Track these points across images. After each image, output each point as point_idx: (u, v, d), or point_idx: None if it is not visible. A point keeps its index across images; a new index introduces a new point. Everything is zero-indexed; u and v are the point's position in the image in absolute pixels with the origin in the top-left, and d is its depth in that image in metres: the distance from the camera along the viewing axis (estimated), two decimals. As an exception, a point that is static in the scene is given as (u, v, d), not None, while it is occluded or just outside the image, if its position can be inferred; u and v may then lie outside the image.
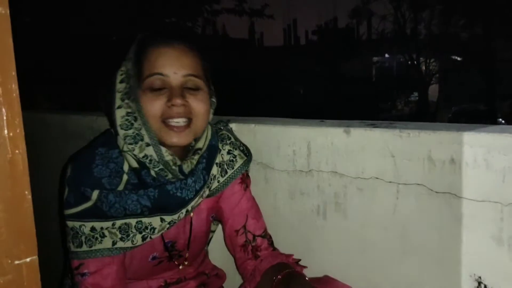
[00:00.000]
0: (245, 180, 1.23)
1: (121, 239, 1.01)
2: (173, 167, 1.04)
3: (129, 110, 1.01)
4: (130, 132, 1.00)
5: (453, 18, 19.40)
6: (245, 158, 1.21)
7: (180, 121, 1.02)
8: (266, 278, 1.11)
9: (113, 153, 1.04)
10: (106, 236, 1.00)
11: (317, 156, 1.31)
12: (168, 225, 1.06)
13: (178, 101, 1.01)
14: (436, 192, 1.12)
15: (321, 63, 17.97)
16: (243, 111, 1.57)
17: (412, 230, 1.17)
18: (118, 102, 1.02)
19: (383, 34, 21.67)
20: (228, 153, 1.19)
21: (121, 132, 1.01)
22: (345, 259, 1.28)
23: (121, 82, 1.03)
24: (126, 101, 1.02)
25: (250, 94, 13.10)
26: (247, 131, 1.39)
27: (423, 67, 21.56)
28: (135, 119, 1.01)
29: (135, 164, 1.03)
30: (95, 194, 1.00)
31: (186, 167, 1.07)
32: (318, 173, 1.31)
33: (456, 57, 21.53)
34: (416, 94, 22.64)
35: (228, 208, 1.20)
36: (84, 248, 0.99)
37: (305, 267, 1.20)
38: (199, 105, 1.04)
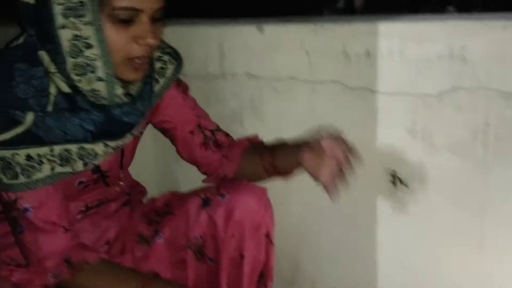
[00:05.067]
0: (181, 83, 1.11)
1: (60, 165, 0.88)
2: (122, 96, 0.90)
3: (78, 33, 0.81)
4: (78, 60, 0.83)
5: None
6: (176, 63, 1.08)
7: (144, 59, 0.89)
8: (252, 157, 1.07)
9: (36, 71, 0.86)
10: (44, 163, 0.87)
11: (230, 58, 1.22)
12: (112, 151, 0.94)
13: (152, 41, 0.86)
14: (352, 88, 1.08)
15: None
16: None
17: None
18: (60, 19, 0.80)
19: None
20: (158, 59, 1.05)
21: (69, 60, 0.83)
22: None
23: None
24: (73, 20, 0.81)
25: None
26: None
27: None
28: (88, 47, 0.82)
29: (66, 89, 0.87)
30: (29, 117, 0.84)
31: (134, 90, 0.93)
32: (232, 77, 1.23)
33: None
34: None
35: (174, 113, 1.08)
36: (22, 179, 0.85)
37: None
38: (159, 38, 0.90)
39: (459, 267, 1.04)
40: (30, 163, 0.86)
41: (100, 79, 0.85)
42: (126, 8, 0.82)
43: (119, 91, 0.89)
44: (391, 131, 1.08)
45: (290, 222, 1.23)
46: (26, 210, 0.87)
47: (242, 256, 0.98)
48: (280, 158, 1.03)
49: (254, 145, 1.11)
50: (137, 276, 0.95)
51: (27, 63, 0.86)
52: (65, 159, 0.89)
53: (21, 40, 0.89)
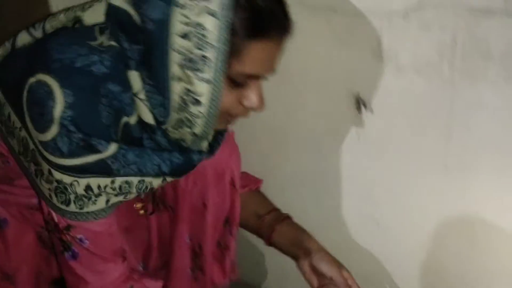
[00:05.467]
0: None
1: (116, 195, 0.78)
2: (205, 147, 0.83)
3: (190, 88, 0.68)
4: (181, 116, 0.71)
5: None
6: None
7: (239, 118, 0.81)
8: (249, 204, 1.03)
9: (126, 96, 0.71)
10: (101, 196, 0.76)
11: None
12: (167, 182, 0.86)
13: (260, 108, 0.77)
14: (314, 8, 1.01)
15: None
16: None
17: (291, 56, 1.08)
18: (174, 68, 0.67)
19: None
20: None
21: (173, 115, 0.72)
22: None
23: (184, 37, 0.65)
24: (188, 72, 0.67)
25: None
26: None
27: None
28: (196, 103, 0.70)
29: (150, 120, 0.74)
30: (112, 148, 0.72)
31: (211, 138, 0.86)
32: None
33: None
34: None
35: None
36: (72, 208, 0.75)
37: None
38: (264, 101, 0.82)
39: (423, 190, 1.05)
40: (87, 194, 0.74)
41: (194, 135, 0.74)
42: (249, 74, 0.72)
43: (205, 143, 0.81)
44: (356, 52, 1.02)
45: (255, 153, 1.19)
46: (81, 240, 0.77)
47: (205, 205, 0.94)
48: (280, 234, 0.99)
49: (257, 193, 1.06)
50: None
51: (118, 84, 0.71)
52: (123, 191, 0.78)
53: (98, 33, 0.72)
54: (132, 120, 0.74)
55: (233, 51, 0.67)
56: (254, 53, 0.69)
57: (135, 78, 0.72)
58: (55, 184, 0.73)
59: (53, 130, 0.68)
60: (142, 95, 0.72)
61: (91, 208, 0.76)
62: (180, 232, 0.95)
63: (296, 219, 1.21)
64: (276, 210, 1.04)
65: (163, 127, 0.74)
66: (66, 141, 0.69)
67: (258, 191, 1.08)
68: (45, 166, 0.72)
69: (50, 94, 0.67)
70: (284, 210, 1.24)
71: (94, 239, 0.78)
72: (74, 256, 0.78)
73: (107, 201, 0.77)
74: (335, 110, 1.09)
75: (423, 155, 1.02)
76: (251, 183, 1.06)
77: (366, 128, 1.08)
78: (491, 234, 1.00)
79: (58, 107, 0.67)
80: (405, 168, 1.06)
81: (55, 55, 0.69)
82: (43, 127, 0.69)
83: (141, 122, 0.75)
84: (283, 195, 1.23)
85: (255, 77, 0.74)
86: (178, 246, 0.96)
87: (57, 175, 0.72)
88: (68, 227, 0.77)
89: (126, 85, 0.71)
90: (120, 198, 0.79)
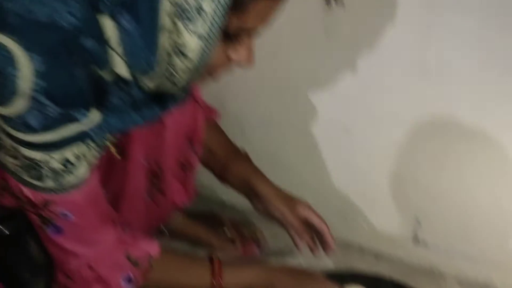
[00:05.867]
0: None
1: (98, 154, 0.69)
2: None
3: (179, 41, 0.59)
4: (159, 69, 0.62)
5: None
6: None
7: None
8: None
9: (100, 50, 0.61)
10: (81, 165, 0.66)
11: None
12: None
13: (250, 65, 0.68)
14: None
15: None
16: None
17: None
18: (164, 19, 0.57)
19: None
20: None
21: (156, 69, 0.61)
22: None
23: None
24: (178, 23, 0.57)
25: None
26: None
27: None
28: (182, 57, 0.60)
29: (125, 74, 0.64)
30: (93, 116, 0.62)
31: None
32: None
33: None
34: None
35: None
36: (48, 184, 0.65)
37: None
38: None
39: (397, 94, 0.98)
40: (65, 167, 0.65)
41: (174, 86, 0.65)
42: (247, 30, 0.63)
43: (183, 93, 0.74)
44: None
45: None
46: (64, 215, 0.68)
47: (162, 123, 0.84)
48: (232, 175, 0.96)
49: (213, 125, 1.00)
50: (204, 264, 0.83)
51: (92, 37, 0.60)
52: (101, 143, 0.68)
53: None
54: (106, 74, 0.64)
55: (233, 6, 0.57)
56: (258, 8, 0.60)
57: (108, 25, 0.60)
58: (23, 160, 0.63)
59: (19, 104, 0.57)
60: (116, 46, 0.61)
61: (69, 180, 0.66)
62: (134, 153, 0.86)
63: (261, 127, 1.13)
64: (230, 147, 1.00)
65: (140, 79, 0.65)
66: (38, 116, 0.58)
67: (214, 124, 1.01)
68: (8, 142, 0.62)
69: (10, 60, 0.55)
70: (248, 119, 1.16)
71: (78, 211, 0.69)
72: (59, 230, 0.70)
73: (88, 167, 0.68)
74: (300, 4, 0.97)
75: (399, 53, 0.94)
76: (207, 112, 0.99)
77: (336, 25, 0.97)
78: (467, 138, 0.95)
79: (25, 77, 0.55)
80: (378, 69, 0.98)
81: (4, 3, 0.55)
82: (3, 100, 0.57)
83: (118, 79, 0.65)
84: (246, 103, 1.14)
85: (252, 32, 0.65)
86: (131, 168, 0.87)
87: (26, 152, 0.61)
88: (46, 203, 0.67)
89: (100, 37, 0.60)
90: (101, 151, 0.71)
